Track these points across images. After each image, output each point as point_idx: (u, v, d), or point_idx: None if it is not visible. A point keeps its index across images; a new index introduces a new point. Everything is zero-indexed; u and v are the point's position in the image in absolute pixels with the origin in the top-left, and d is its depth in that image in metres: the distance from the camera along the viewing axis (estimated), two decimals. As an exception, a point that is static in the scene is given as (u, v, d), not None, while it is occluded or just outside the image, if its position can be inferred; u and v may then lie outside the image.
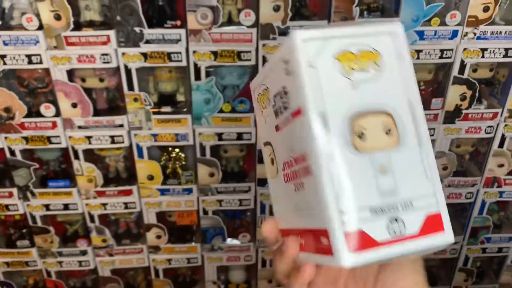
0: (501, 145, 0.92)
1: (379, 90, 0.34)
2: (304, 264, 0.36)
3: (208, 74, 0.81)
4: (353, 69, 0.34)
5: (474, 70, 0.86)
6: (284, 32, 0.78)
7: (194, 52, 0.79)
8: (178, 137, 0.87)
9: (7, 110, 0.83)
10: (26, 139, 0.85)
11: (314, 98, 0.33)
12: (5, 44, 0.76)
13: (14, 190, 0.91)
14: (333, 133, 0.32)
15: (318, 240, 0.34)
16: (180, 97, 0.87)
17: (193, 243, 1.01)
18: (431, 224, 0.34)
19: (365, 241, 0.32)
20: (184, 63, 0.80)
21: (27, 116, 0.84)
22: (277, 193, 0.41)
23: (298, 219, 0.37)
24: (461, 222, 1.03)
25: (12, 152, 0.87)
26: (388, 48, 0.35)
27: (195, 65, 0.80)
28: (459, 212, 1.03)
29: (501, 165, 0.95)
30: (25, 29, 0.76)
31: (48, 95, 0.85)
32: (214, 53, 0.79)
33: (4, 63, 0.78)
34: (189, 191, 0.93)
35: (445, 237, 0.34)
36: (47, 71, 0.80)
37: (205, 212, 0.96)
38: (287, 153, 0.37)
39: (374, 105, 0.34)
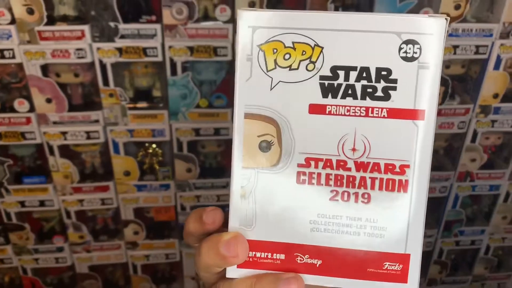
0: (473, 140, 0.94)
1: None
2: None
3: (184, 69, 0.81)
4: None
5: (447, 67, 0.88)
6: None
7: (170, 47, 0.79)
8: (155, 132, 0.87)
9: (-21, 105, 0.81)
10: (-1, 135, 0.84)
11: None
12: (-24, 38, 0.75)
13: (-12, 187, 0.90)
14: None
15: (377, 265, 0.30)
16: (157, 93, 0.87)
17: (171, 239, 1.01)
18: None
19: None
20: (160, 58, 0.80)
21: (0, 111, 0.82)
22: (260, 190, 0.31)
23: (319, 235, 0.30)
24: (436, 216, 1.05)
25: (-15, 148, 0.86)
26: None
27: (171, 60, 0.80)
28: (433, 206, 1.05)
29: (473, 160, 0.97)
30: (-3, 23, 0.75)
31: (21, 90, 0.84)
32: (190, 49, 0.79)
33: (-24, 58, 0.77)
34: (167, 186, 0.93)
35: None
36: (20, 66, 0.79)
37: (183, 208, 0.96)
38: (329, 149, 0.30)
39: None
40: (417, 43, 0.27)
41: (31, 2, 0.74)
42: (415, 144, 0.29)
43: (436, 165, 0.99)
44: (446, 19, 0.27)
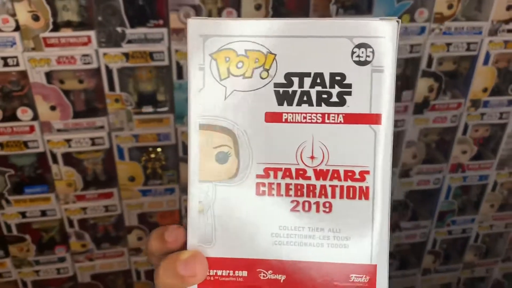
0: (464, 133, 0.99)
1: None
2: None
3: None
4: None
5: (440, 64, 0.92)
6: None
7: (176, 51, 0.79)
8: (160, 136, 0.87)
9: (-19, 115, 0.79)
10: (1, 145, 0.82)
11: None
12: (-21, 46, 0.74)
13: (-13, 199, 0.88)
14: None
15: (343, 277, 0.29)
16: (161, 97, 0.87)
17: (175, 243, 1.01)
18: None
19: None
20: (166, 62, 0.80)
21: (2, 121, 0.81)
22: (218, 205, 0.29)
23: (282, 248, 0.29)
24: (429, 208, 1.10)
25: (-14, 159, 0.84)
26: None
27: (178, 64, 0.81)
28: (427, 198, 1.09)
29: (464, 152, 1.02)
30: (1, 31, 0.73)
31: (23, 99, 0.82)
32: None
33: (-22, 66, 0.75)
34: (171, 190, 0.94)
35: None
36: (22, 73, 0.78)
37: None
38: (287, 158, 0.29)
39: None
40: (370, 47, 0.27)
41: (36, 9, 0.73)
42: (373, 149, 0.28)
43: (429, 158, 1.04)
44: (397, 21, 0.27)
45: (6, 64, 0.75)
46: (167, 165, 0.94)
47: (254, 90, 0.28)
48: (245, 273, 0.29)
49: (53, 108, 0.81)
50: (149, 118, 0.85)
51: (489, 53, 0.90)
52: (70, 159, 0.88)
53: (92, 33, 0.76)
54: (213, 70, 0.28)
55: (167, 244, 0.30)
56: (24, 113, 0.81)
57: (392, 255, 1.16)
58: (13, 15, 0.73)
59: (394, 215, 1.08)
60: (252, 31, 0.28)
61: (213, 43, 0.28)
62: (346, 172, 0.28)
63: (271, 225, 0.29)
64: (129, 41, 0.77)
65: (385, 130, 0.28)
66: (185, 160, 0.90)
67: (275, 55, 0.28)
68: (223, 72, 0.28)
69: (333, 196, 0.29)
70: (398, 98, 0.92)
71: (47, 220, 0.94)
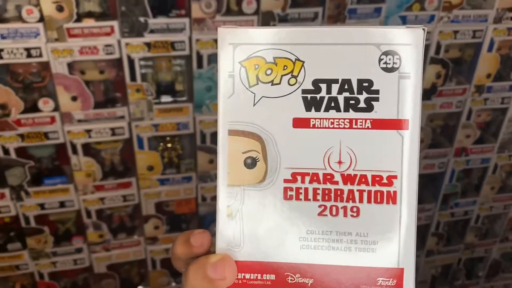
0: (468, 117, 1.03)
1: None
2: None
3: (210, 61, 0.83)
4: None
5: (446, 51, 0.95)
6: (284, 19, 0.82)
7: (197, 40, 0.81)
8: (179, 125, 0.88)
9: (3, 106, 0.79)
10: (21, 136, 0.83)
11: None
12: (2, 37, 0.74)
13: (6, 191, 0.87)
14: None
15: (370, 281, 0.29)
16: (179, 86, 0.88)
17: (190, 231, 1.03)
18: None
19: None
20: (187, 52, 0.81)
21: (24, 112, 0.81)
22: (247, 209, 0.30)
23: (310, 252, 0.29)
24: (433, 191, 1.14)
25: (6, 151, 0.84)
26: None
27: (198, 53, 0.82)
28: (431, 182, 1.13)
29: (468, 136, 1.06)
30: (24, 21, 0.74)
31: (43, 90, 0.82)
32: (217, 41, 0.81)
33: (1, 57, 0.75)
34: (189, 179, 0.95)
35: None
36: (43, 65, 0.78)
37: (204, 199, 0.98)
38: (315, 162, 0.29)
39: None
40: (397, 54, 0.28)
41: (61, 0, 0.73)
42: (401, 154, 0.28)
43: (434, 143, 1.07)
44: (423, 29, 0.28)
45: (29, 55, 0.76)
46: (184, 154, 0.95)
47: (282, 96, 0.29)
48: (272, 277, 0.30)
49: (74, 98, 0.82)
50: (169, 108, 0.86)
51: (493, 40, 0.93)
52: (89, 150, 0.89)
53: (115, 23, 0.77)
54: (243, 77, 0.29)
55: (193, 249, 0.30)
56: (45, 104, 0.81)
57: (397, 238, 1.20)
58: (37, 5, 0.73)
59: (401, 199, 1.11)
60: (280, 39, 0.29)
61: (243, 51, 0.29)
62: (373, 176, 0.29)
63: (299, 229, 0.29)
64: (152, 31, 0.78)
65: (412, 135, 0.28)
66: (203, 148, 0.92)
67: (303, 62, 0.29)
68: (252, 79, 0.29)
69: (361, 201, 0.29)
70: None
71: (64, 212, 0.95)
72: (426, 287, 1.30)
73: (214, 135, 0.91)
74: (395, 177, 0.28)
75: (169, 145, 0.95)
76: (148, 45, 0.79)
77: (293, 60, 0.29)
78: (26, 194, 0.89)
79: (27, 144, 0.84)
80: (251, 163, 0.29)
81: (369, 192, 0.29)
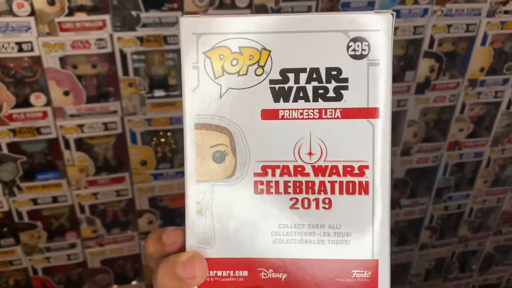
0: (461, 111, 1.03)
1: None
2: None
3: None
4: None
5: (440, 45, 0.95)
6: (277, 12, 0.81)
7: (190, 34, 0.80)
8: (173, 120, 0.88)
9: (-6, 101, 0.79)
10: (13, 131, 0.82)
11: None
12: (-7, 31, 0.73)
13: (-1, 187, 0.87)
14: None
15: (345, 273, 0.28)
16: (172, 81, 0.88)
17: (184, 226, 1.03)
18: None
19: None
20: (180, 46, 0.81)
21: (15, 107, 0.80)
22: (216, 204, 0.29)
23: (282, 246, 0.29)
24: (427, 185, 1.14)
25: (-2, 146, 0.83)
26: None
27: (191, 47, 0.81)
28: (425, 176, 1.13)
29: (461, 130, 1.06)
30: (15, 15, 0.73)
31: (34, 85, 0.82)
32: (210, 35, 0.81)
33: (-9, 52, 0.74)
34: (183, 174, 0.94)
35: None
36: (34, 59, 0.78)
37: (198, 194, 0.98)
38: (285, 155, 0.28)
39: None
40: (365, 40, 0.27)
41: (52, -7, 0.72)
42: (372, 144, 0.27)
43: (427, 137, 1.08)
44: (392, 14, 0.27)
45: (21, 49, 0.75)
46: (178, 148, 0.95)
47: (250, 87, 0.28)
48: (245, 273, 0.29)
49: (66, 93, 0.81)
50: (161, 102, 0.86)
51: (486, 34, 0.94)
52: (82, 145, 0.88)
53: (107, 17, 0.76)
54: (207, 69, 0.28)
55: (165, 247, 0.29)
56: (37, 99, 0.81)
57: (391, 231, 1.20)
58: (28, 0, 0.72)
59: (394, 193, 1.12)
60: (245, 28, 0.27)
61: (207, 41, 0.27)
62: (345, 167, 0.28)
63: (271, 223, 0.29)
64: (144, 25, 0.78)
65: (383, 124, 0.27)
66: (197, 143, 0.91)
67: (270, 51, 0.27)
68: (218, 70, 0.28)
69: (333, 192, 0.28)
70: (401, 78, 0.95)
71: (57, 207, 0.94)
72: (420, 281, 1.31)
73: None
74: (367, 167, 0.28)
75: (162, 139, 0.94)
76: (141, 39, 0.79)
77: (260, 50, 0.27)
78: (18, 189, 0.88)
79: (19, 139, 0.83)
80: (219, 157, 0.28)
81: (341, 183, 0.28)
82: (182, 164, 0.94)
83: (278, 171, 0.28)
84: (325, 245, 0.28)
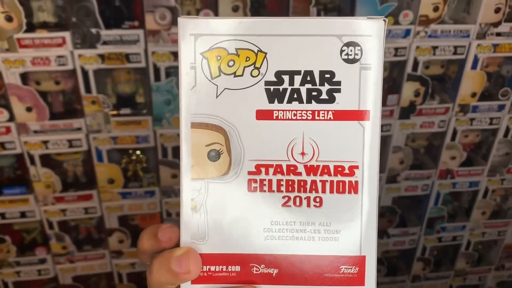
0: (453, 138, 0.96)
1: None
2: None
3: (168, 74, 0.81)
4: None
5: (427, 67, 0.90)
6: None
7: (153, 52, 0.78)
8: (139, 139, 0.86)
9: (-44, 116, 0.79)
10: (-23, 145, 0.82)
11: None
12: (-48, 47, 0.73)
13: (-34, 199, 0.87)
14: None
15: (334, 269, 0.29)
16: (140, 99, 0.86)
17: (157, 246, 1.00)
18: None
19: None
20: (143, 64, 0.79)
21: (-22, 121, 0.80)
22: (211, 202, 0.30)
23: (273, 243, 0.30)
24: (418, 214, 1.07)
25: (-37, 160, 0.83)
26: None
27: (155, 65, 0.79)
28: (415, 204, 1.07)
29: (453, 158, 0.99)
30: (-26, 31, 0.73)
31: (0, 100, 0.81)
32: (174, 54, 0.78)
33: (-48, 67, 0.74)
34: (152, 193, 0.92)
35: None
36: (-2, 74, 0.78)
37: (169, 214, 0.96)
38: (278, 154, 0.29)
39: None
40: (358, 45, 0.28)
41: (9, 9, 0.72)
42: (362, 145, 0.29)
43: (418, 164, 1.01)
44: (384, 20, 0.28)
45: (-20, 65, 0.75)
46: (149, 167, 0.92)
47: (245, 88, 0.29)
48: (238, 268, 0.30)
49: (29, 109, 0.80)
50: (127, 120, 0.84)
51: (477, 57, 0.87)
52: (48, 161, 0.87)
53: (67, 34, 0.75)
54: (204, 69, 0.29)
55: (161, 244, 0.30)
56: (0, 114, 0.80)
57: (380, 261, 1.14)
58: (-14, 15, 0.72)
59: (381, 222, 1.06)
60: (242, 30, 0.28)
61: (204, 41, 0.29)
62: (336, 167, 0.29)
63: (263, 220, 0.30)
64: (105, 43, 0.76)
65: (373, 126, 0.28)
66: (165, 163, 0.89)
67: (266, 53, 0.28)
68: (214, 71, 0.29)
69: (324, 191, 0.29)
70: (383, 102, 0.90)
71: (28, 222, 0.94)
72: (414, 314, 1.23)
73: (176, 149, 0.88)
74: (357, 167, 0.29)
75: (133, 157, 0.92)
76: (102, 56, 0.77)
77: (256, 52, 0.28)
78: (-15, 203, 0.88)
79: (-16, 153, 0.83)
80: (214, 156, 0.29)
81: (332, 182, 0.29)
82: (150, 183, 0.92)
83: (271, 170, 0.29)
84: (315, 241, 0.29)
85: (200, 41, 0.29)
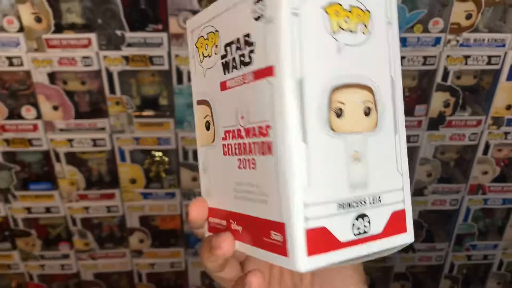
0: (485, 152, 0.92)
1: (365, 59, 0.28)
2: (248, 267, 0.34)
3: (189, 78, 0.81)
4: (341, 27, 0.27)
5: (458, 77, 0.86)
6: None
7: (176, 56, 0.78)
8: (161, 140, 0.87)
9: (-12, 112, 0.82)
10: (7, 141, 0.85)
11: (292, 59, 0.26)
12: (-15, 46, 0.76)
13: (-4, 192, 0.90)
14: (309, 105, 0.26)
15: (266, 233, 0.28)
16: (163, 101, 0.87)
17: (177, 248, 1.01)
18: (395, 223, 0.29)
19: (327, 241, 0.27)
20: (166, 67, 0.79)
21: (8, 118, 0.83)
22: (210, 164, 0.34)
23: (238, 202, 0.31)
24: (446, 229, 1.03)
25: (-7, 155, 0.86)
26: (379, 10, 0.28)
27: (177, 69, 0.80)
28: (444, 219, 1.02)
29: (485, 173, 0.95)
30: (6, 31, 0.75)
31: (29, 97, 0.84)
32: (196, 57, 0.78)
33: (-15, 65, 0.77)
34: (172, 195, 0.93)
35: (407, 238, 0.29)
36: (28, 73, 0.80)
37: (188, 217, 0.96)
38: (233, 120, 0.31)
39: (357, 77, 0.28)
40: (262, 0, 0.27)
41: (39, 11, 0.74)
42: (272, 103, 0.27)
43: (447, 177, 0.97)
44: None
45: (11, 64, 0.78)
46: (169, 169, 0.93)
47: (213, 66, 0.32)
48: (224, 222, 0.33)
49: (55, 108, 0.82)
50: (149, 122, 0.85)
51: (513, 68, 0.83)
52: (73, 159, 0.89)
53: (93, 36, 0.76)
54: (196, 57, 0.34)
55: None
56: (28, 112, 0.83)
57: (405, 276, 1.10)
58: (18, 16, 0.75)
59: (406, 235, 1.02)
60: (208, 16, 0.32)
61: (195, 34, 0.34)
62: (259, 128, 0.29)
63: (231, 181, 0.32)
64: (129, 45, 0.77)
65: (279, 81, 0.26)
66: (186, 165, 0.89)
67: (218, 31, 0.31)
68: (201, 56, 0.33)
69: (254, 152, 0.29)
70: (411, 112, 0.87)
71: (53, 217, 0.96)
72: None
73: (196, 153, 0.88)
74: (269, 126, 0.28)
75: (157, 158, 0.93)
76: (126, 58, 0.78)
77: (214, 32, 0.32)
78: (13, 197, 0.91)
79: (13, 149, 0.86)
80: (207, 126, 0.34)
81: (256, 143, 0.29)
82: (171, 185, 0.93)
83: (230, 135, 0.32)
84: (256, 203, 0.29)
85: (194, 35, 0.34)
